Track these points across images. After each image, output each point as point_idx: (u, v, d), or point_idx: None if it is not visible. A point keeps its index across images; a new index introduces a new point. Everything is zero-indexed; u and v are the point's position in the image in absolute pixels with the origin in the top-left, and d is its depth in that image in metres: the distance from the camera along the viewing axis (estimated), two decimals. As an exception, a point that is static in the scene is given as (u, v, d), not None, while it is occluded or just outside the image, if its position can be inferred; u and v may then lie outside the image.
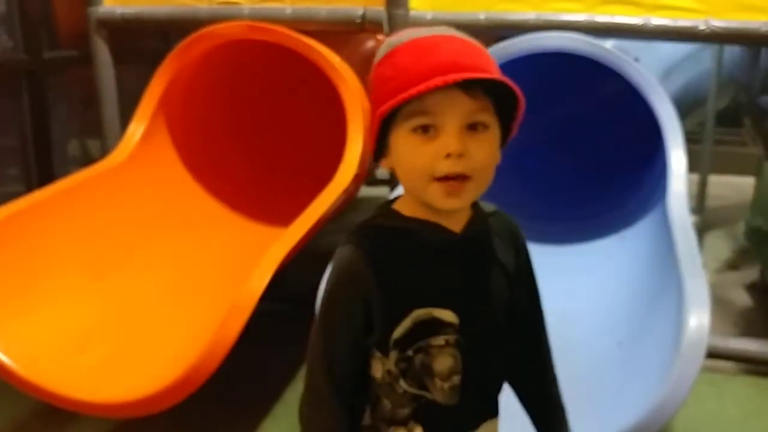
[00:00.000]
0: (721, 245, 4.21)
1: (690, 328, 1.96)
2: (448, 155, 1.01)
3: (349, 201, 3.13)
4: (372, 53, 3.39)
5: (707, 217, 4.10)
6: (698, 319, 1.98)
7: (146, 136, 2.86)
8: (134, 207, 2.84)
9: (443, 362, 1.09)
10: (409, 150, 1.04)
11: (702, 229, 4.02)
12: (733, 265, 4.01)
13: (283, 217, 2.62)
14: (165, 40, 3.89)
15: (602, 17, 2.65)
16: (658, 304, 2.26)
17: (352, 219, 2.43)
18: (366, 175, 3.16)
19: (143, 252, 2.78)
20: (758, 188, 3.82)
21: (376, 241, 1.10)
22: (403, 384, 1.09)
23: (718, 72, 3.59)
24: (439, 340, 1.08)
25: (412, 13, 2.78)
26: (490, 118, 1.04)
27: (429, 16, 2.78)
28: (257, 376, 2.85)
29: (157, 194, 2.94)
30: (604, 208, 3.16)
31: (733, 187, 4.51)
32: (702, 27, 2.59)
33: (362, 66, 3.04)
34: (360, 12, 2.84)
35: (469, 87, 1.00)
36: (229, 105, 3.39)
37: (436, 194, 1.04)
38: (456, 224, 1.11)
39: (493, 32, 3.03)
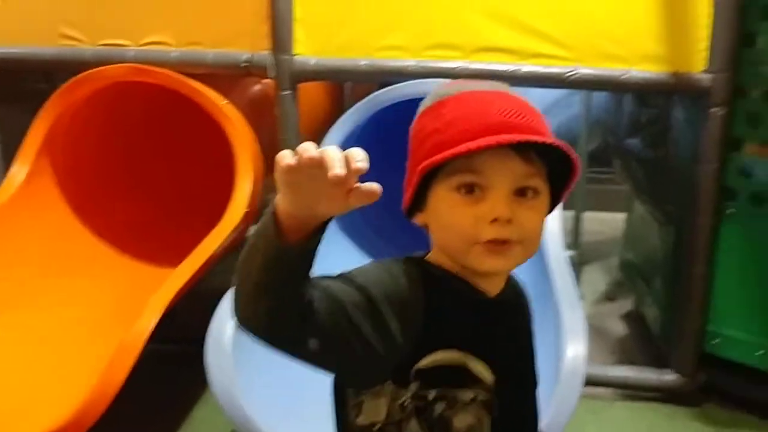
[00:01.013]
0: (598, 278, 4.45)
1: (568, 358, 2.07)
2: (495, 220, 0.96)
3: (240, 239, 3.15)
4: (258, 97, 3.46)
5: (583, 252, 4.33)
6: (575, 349, 2.10)
7: (30, 177, 2.81)
8: (18, 250, 2.77)
9: (464, 419, 1.00)
10: (451, 209, 0.99)
11: (579, 264, 4.23)
12: (609, 296, 4.24)
13: (174, 257, 2.61)
14: (49, 80, 3.80)
15: (478, 64, 2.80)
16: (537, 336, 2.38)
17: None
18: (258, 214, 3.18)
19: (29, 295, 2.71)
20: (629, 224, 4.09)
21: (423, 273, 1.02)
22: (414, 426, 0.98)
23: (587, 115, 3.83)
24: (467, 394, 1.00)
25: (296, 58, 2.85)
26: (541, 184, 1.00)
27: (313, 61, 2.86)
28: (149, 418, 2.78)
29: (41, 237, 2.88)
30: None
31: (607, 223, 4.78)
32: (570, 74, 2.78)
33: (250, 109, 3.09)
34: (245, 57, 2.88)
35: (522, 149, 0.96)
36: (118, 147, 3.35)
37: (479, 255, 0.98)
38: (493, 288, 1.06)
39: (375, 79, 3.18)
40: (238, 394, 2.06)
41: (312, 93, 3.48)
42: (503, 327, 1.08)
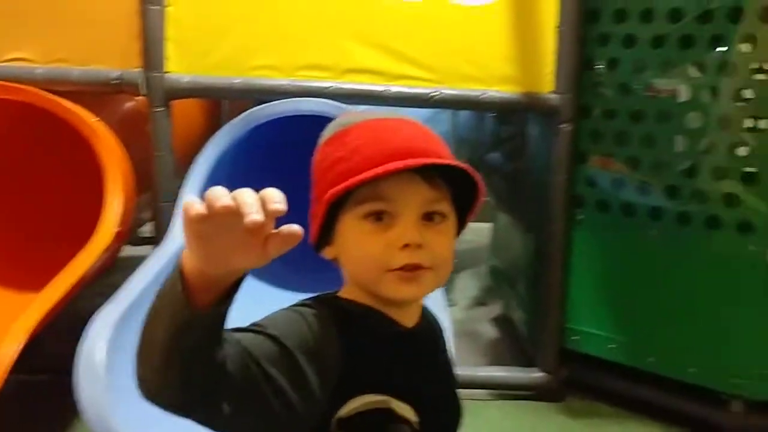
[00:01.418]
0: (469, 284, 4.68)
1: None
2: (406, 246, 0.93)
3: (111, 261, 3.10)
4: (131, 114, 3.44)
5: (455, 260, 4.54)
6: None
7: None
8: None
9: None
10: (360, 238, 0.95)
11: (452, 272, 4.44)
12: (480, 301, 4.47)
13: (40, 282, 2.51)
14: None
15: (348, 84, 2.94)
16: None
17: (116, 280, 2.44)
18: (128, 234, 3.16)
19: None
20: (494, 233, 4.34)
21: (336, 314, 0.97)
22: None
23: (453, 133, 4.06)
24: None
25: (168, 76, 2.89)
26: (448, 208, 0.98)
27: (186, 79, 2.90)
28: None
29: None
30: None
31: (477, 232, 5.02)
32: (434, 94, 2.96)
33: (121, 126, 3.06)
34: (116, 74, 2.88)
35: (427, 174, 0.94)
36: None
37: (391, 283, 0.94)
38: (408, 319, 1.02)
39: (250, 97, 3.25)
40: (113, 423, 1.94)
41: (187, 110, 3.49)
42: (423, 360, 1.03)
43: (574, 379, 3.28)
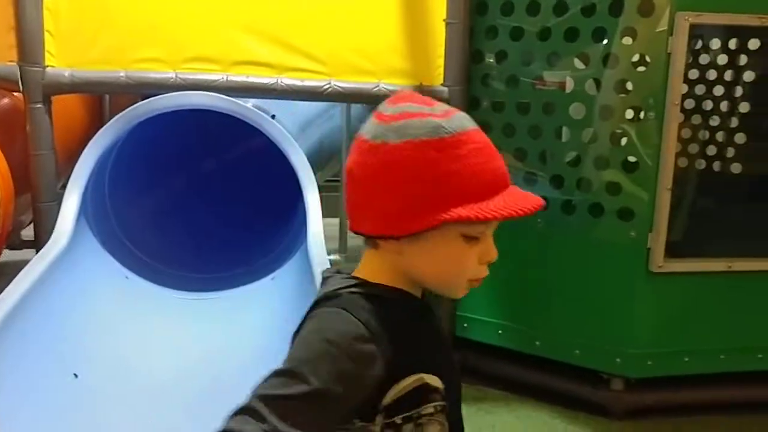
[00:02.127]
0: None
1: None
2: (489, 262, 1.04)
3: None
4: (8, 110, 3.25)
5: (351, 254, 4.56)
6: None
7: None
8: None
9: (433, 431, 1.03)
10: (454, 252, 1.01)
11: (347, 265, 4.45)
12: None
13: None
14: None
15: (237, 77, 2.88)
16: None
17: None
18: (7, 236, 2.99)
19: None
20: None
21: (365, 309, 1.00)
22: None
23: (348, 127, 4.05)
24: (429, 408, 1.03)
25: (48, 70, 2.75)
26: None
27: (67, 74, 2.77)
28: None
29: None
30: (256, 254, 3.39)
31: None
32: (326, 87, 2.95)
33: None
34: (-11, 68, 2.72)
35: None
36: None
37: (465, 289, 1.05)
38: (417, 293, 1.09)
39: (135, 91, 3.14)
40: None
41: (69, 106, 3.34)
42: (434, 327, 1.12)
43: (466, 366, 3.35)
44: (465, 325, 3.30)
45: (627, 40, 2.85)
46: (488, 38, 3.08)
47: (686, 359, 3.03)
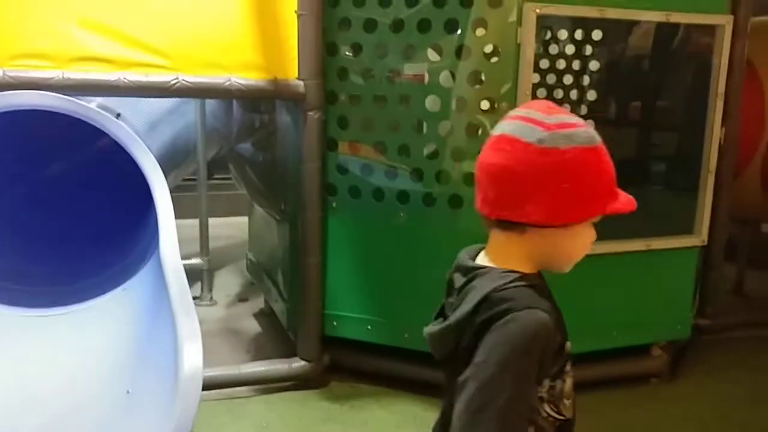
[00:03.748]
0: (231, 280, 4.56)
1: (185, 366, 2.08)
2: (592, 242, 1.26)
3: None
4: None
5: (214, 257, 4.40)
6: (191, 356, 2.11)
7: None
8: None
9: (569, 383, 1.28)
10: (590, 237, 1.24)
11: (210, 269, 4.29)
12: (242, 296, 4.38)
13: None
14: None
15: (75, 75, 2.66)
16: (159, 345, 2.35)
17: None
18: None
19: None
20: (251, 225, 4.26)
21: (537, 298, 1.20)
22: (546, 409, 1.25)
23: (203, 123, 3.89)
24: (569, 366, 1.28)
25: None
26: None
27: None
28: None
29: None
30: (105, 263, 3.18)
31: (236, 226, 4.93)
32: (173, 82, 2.79)
33: None
34: None
35: None
36: None
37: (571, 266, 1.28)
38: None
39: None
40: None
41: None
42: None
43: (337, 364, 3.31)
44: (334, 323, 3.24)
45: (479, 32, 2.88)
46: (342, 30, 3.02)
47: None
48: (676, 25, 3.11)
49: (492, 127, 2.86)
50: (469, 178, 2.93)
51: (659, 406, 3.18)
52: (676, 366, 3.45)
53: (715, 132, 3.21)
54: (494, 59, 2.88)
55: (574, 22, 2.92)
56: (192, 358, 2.05)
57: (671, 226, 3.24)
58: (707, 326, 3.80)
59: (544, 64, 2.90)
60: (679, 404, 3.21)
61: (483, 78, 2.89)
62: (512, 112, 1.27)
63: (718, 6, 3.10)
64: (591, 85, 3.00)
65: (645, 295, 3.23)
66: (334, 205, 3.13)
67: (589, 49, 2.95)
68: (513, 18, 2.78)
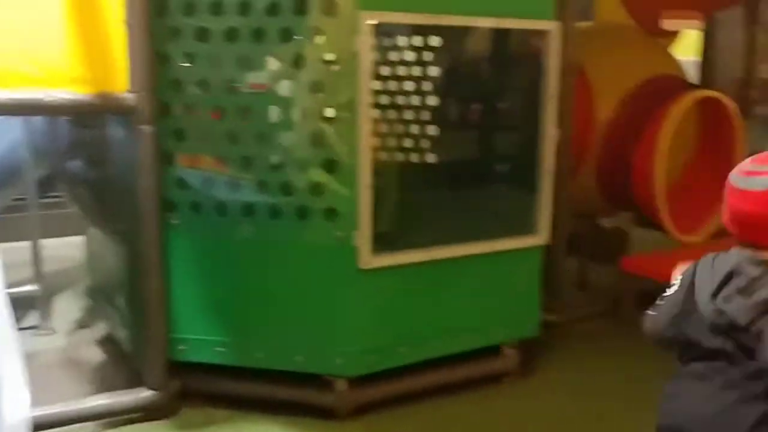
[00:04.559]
0: (70, 307, 4.25)
1: (6, 419, 1.90)
2: None
3: None
4: None
5: (50, 282, 4.09)
6: (15, 406, 1.93)
7: None
8: None
9: None
10: None
11: (47, 295, 3.99)
12: (82, 324, 4.08)
13: None
14: None
15: None
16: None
17: None
18: None
19: None
20: (87, 247, 3.99)
21: None
22: None
23: (28, 141, 3.61)
24: None
25: None
26: None
27: None
28: None
29: None
30: None
31: (76, 247, 4.60)
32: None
33: None
34: None
35: None
36: None
37: None
38: None
39: None
40: None
41: None
42: None
43: (189, 390, 3.15)
44: (181, 347, 3.08)
45: (317, 40, 2.83)
46: (173, 40, 2.88)
47: (402, 350, 3.11)
48: (510, 31, 3.20)
49: (335, 136, 2.86)
50: (314, 188, 2.88)
51: (513, 404, 3.26)
52: (528, 363, 3.55)
53: (550, 133, 3.33)
54: (334, 68, 2.84)
55: (412, 30, 2.94)
56: (16, 407, 1.86)
57: (514, 227, 3.34)
58: (555, 321, 3.96)
59: (385, 71, 2.89)
60: (532, 400, 3.30)
61: (323, 87, 2.84)
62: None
63: (545, 12, 3.22)
64: (432, 91, 3.02)
65: (492, 296, 3.30)
66: (174, 222, 2.98)
67: (428, 56, 2.98)
68: (349, 26, 2.76)
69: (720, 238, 4.64)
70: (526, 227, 3.35)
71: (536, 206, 3.35)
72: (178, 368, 3.10)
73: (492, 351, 3.39)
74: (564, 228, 3.91)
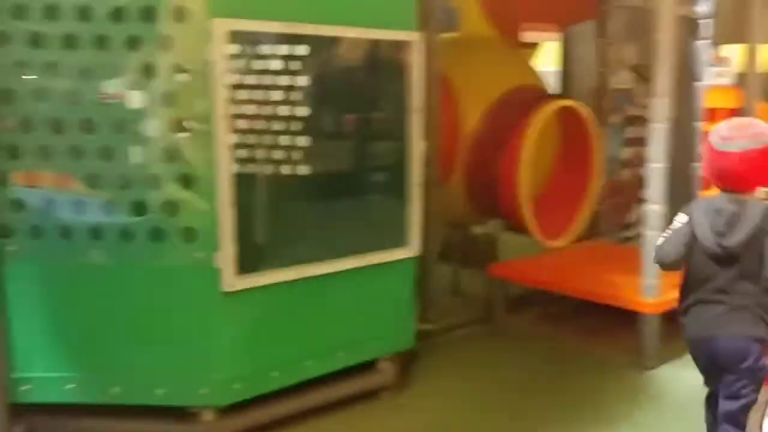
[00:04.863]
0: None
1: None
2: None
3: None
4: None
5: None
6: None
7: None
8: None
9: None
10: None
11: None
12: None
13: None
14: None
15: None
16: None
17: None
18: None
19: None
20: None
21: None
22: None
23: None
24: None
25: None
26: None
27: None
28: None
29: None
30: None
31: None
32: None
33: None
34: None
35: None
36: None
37: None
38: None
39: None
40: None
41: None
42: None
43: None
44: (26, 387, 2.77)
45: (167, 49, 2.63)
46: (1, 46, 2.59)
47: (274, 374, 2.96)
48: (378, 41, 3.13)
49: (191, 150, 2.67)
50: (171, 207, 2.68)
51: (390, 419, 3.19)
52: (405, 375, 3.49)
53: (417, 145, 3.29)
54: (187, 77, 2.66)
55: (277, 38, 2.80)
56: None
57: (385, 240, 3.26)
58: (431, 330, 3.93)
59: (252, 80, 2.74)
60: (410, 412, 3.24)
61: (175, 99, 2.65)
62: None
63: (408, 23, 3.18)
64: (300, 101, 2.89)
65: (366, 311, 3.21)
66: (11, 248, 2.68)
67: (296, 65, 2.85)
68: (202, 34, 2.59)
69: (583, 242, 4.84)
70: (397, 239, 3.29)
71: (406, 218, 3.29)
72: (23, 410, 2.80)
73: (368, 366, 3.30)
74: (435, 238, 3.89)
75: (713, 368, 2.40)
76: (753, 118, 2.47)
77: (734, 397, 2.35)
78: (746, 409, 2.38)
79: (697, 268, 2.39)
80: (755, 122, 2.36)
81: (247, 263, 2.78)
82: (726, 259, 2.32)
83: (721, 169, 2.31)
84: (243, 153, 2.77)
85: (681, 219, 2.44)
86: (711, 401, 2.52)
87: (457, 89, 4.31)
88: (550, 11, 4.66)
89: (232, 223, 2.71)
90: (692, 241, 2.37)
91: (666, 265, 2.49)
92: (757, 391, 2.38)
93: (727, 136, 2.29)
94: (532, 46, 5.19)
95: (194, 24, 2.60)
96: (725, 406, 2.38)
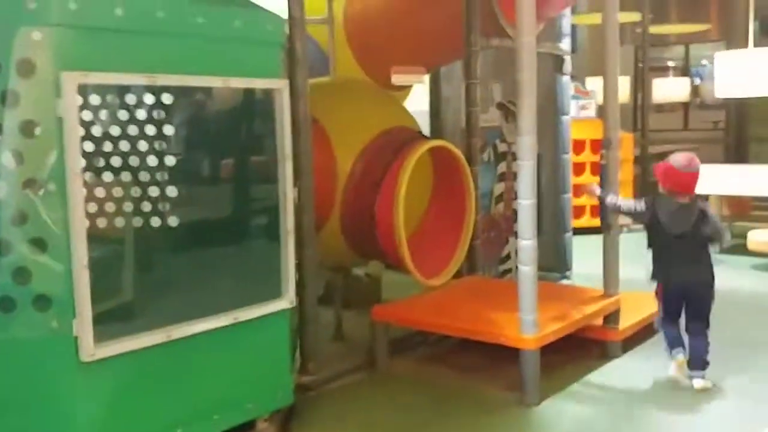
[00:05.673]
0: None
1: None
2: None
3: None
4: None
5: None
6: None
7: None
8: None
9: None
10: None
11: None
12: None
13: None
14: None
15: None
16: None
17: None
18: None
19: None
20: None
21: None
22: None
23: None
24: None
25: None
26: None
27: None
28: None
29: None
30: None
31: None
32: None
33: None
34: None
35: None
36: None
37: None
38: None
39: None
40: None
41: None
42: None
43: None
44: None
45: (12, 105, 2.46)
46: None
47: (143, 443, 2.77)
48: (245, 89, 3.06)
49: (43, 212, 2.48)
50: (20, 274, 2.48)
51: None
52: (286, 432, 3.37)
53: (288, 192, 3.22)
54: (35, 135, 2.49)
55: (136, 89, 2.67)
56: None
57: (258, 293, 3.15)
58: (312, 382, 3.82)
59: (111, 131, 2.60)
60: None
61: (24, 157, 2.48)
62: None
63: (273, 71, 3.13)
64: (166, 150, 2.75)
65: (240, 370, 3.07)
66: None
67: (160, 114, 2.72)
68: (50, 88, 2.44)
69: (461, 277, 4.89)
70: (271, 291, 3.19)
71: (281, 268, 3.21)
72: None
73: (246, 427, 3.16)
74: (314, 284, 3.81)
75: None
76: (691, 153, 3.90)
77: None
78: None
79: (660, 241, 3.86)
80: (694, 156, 3.83)
81: (108, 329, 2.60)
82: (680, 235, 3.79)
83: (678, 183, 3.78)
84: (102, 208, 2.61)
85: (642, 203, 3.96)
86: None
87: (330, 132, 4.30)
88: (418, 54, 4.75)
89: (90, 286, 2.53)
90: (656, 223, 3.84)
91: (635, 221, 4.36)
92: None
93: (687, 164, 3.77)
94: (403, 87, 5.26)
95: (41, 78, 2.45)
96: None
